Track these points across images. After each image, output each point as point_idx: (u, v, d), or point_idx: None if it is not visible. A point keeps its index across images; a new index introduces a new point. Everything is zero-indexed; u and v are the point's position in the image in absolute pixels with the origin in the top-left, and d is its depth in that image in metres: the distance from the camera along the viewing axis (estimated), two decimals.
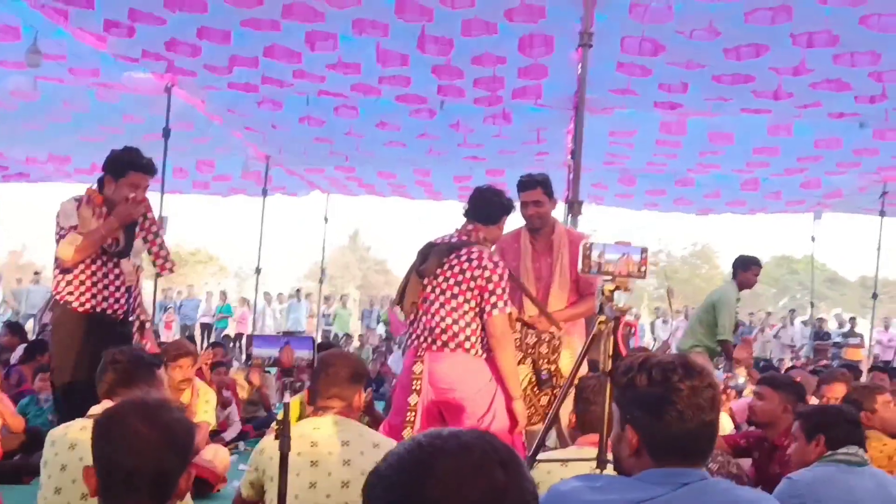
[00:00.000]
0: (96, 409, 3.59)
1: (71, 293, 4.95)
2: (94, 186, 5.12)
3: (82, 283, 4.96)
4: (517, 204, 5.30)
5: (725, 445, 5.15)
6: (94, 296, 4.98)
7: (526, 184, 5.48)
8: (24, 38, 8.70)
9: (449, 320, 4.65)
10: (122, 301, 5.09)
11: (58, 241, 4.91)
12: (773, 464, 4.85)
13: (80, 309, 4.96)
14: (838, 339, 21.11)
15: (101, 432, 2.27)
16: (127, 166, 5.04)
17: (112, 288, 5.04)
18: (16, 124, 12.10)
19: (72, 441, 3.41)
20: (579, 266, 3.32)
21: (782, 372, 10.34)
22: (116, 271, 5.07)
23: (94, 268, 4.99)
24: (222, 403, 7.90)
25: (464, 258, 4.68)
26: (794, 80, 8.97)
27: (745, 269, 9.08)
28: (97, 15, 8.22)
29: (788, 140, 11.52)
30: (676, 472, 2.16)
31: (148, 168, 5.12)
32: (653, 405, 2.19)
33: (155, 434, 2.20)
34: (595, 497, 2.10)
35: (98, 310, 4.99)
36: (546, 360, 4.95)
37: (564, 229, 5.67)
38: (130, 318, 5.21)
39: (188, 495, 3.39)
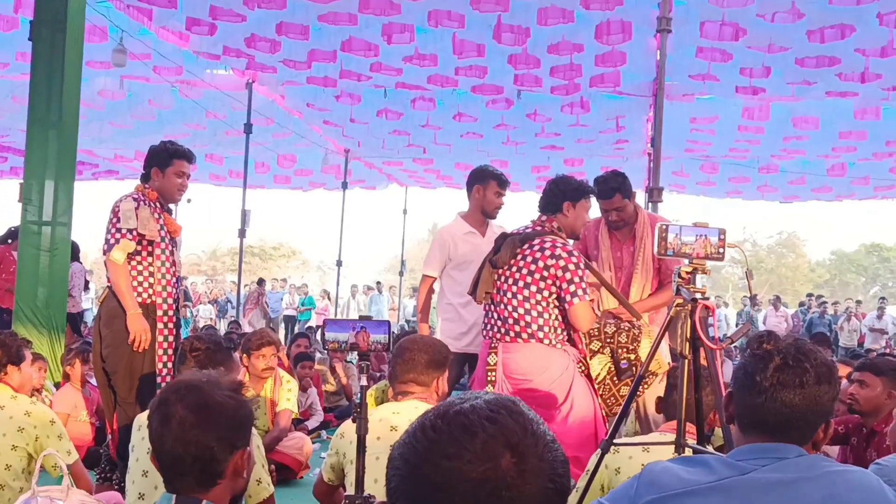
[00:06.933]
0: None
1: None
2: (140, 184, 5.34)
3: (140, 273, 5.14)
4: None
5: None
6: (150, 285, 5.17)
7: (603, 192, 5.25)
8: (110, 39, 8.95)
9: (521, 310, 4.62)
10: (174, 290, 5.30)
11: (113, 240, 5.06)
12: (869, 449, 4.72)
13: (139, 300, 5.11)
14: None
15: (151, 417, 2.25)
16: (172, 155, 5.30)
17: (168, 277, 5.24)
18: (103, 123, 12.46)
19: None
20: (655, 248, 3.22)
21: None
22: (171, 260, 5.28)
23: (150, 259, 5.16)
24: (303, 388, 8.04)
25: (536, 248, 4.63)
26: (881, 61, 8.72)
27: None
28: (179, 14, 8.42)
29: (877, 123, 11.23)
30: (766, 447, 2.08)
31: (189, 155, 5.39)
32: (742, 377, 2.15)
33: (193, 416, 2.15)
34: (689, 476, 2.05)
35: (157, 300, 5.17)
36: (625, 350, 4.86)
37: (647, 216, 5.49)
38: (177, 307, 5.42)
39: (263, 479, 3.47)
